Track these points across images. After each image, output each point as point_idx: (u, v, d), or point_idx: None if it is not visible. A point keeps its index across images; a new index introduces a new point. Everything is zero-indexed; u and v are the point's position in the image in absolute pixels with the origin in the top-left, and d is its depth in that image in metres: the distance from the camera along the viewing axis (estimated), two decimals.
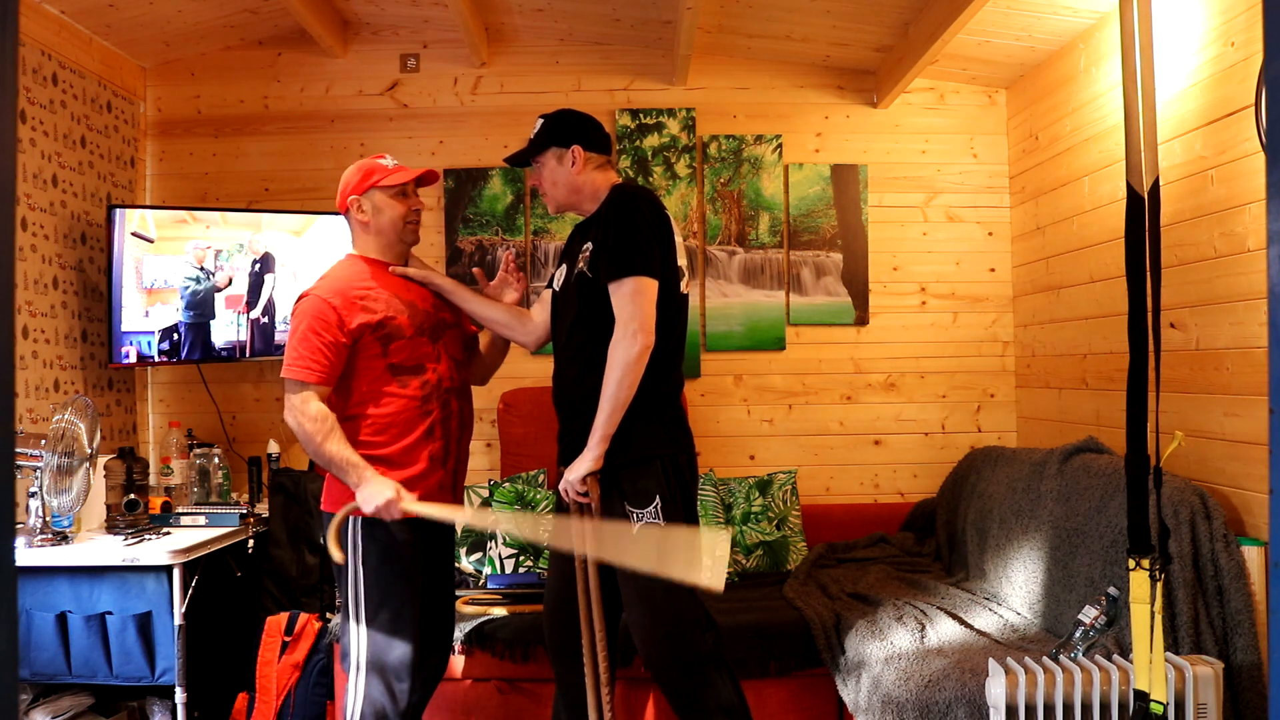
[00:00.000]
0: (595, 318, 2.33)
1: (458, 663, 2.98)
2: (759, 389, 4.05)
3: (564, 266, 2.51)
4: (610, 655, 2.42)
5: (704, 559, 2.59)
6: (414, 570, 2.36)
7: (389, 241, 2.46)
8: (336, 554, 2.28)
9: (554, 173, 2.44)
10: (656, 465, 2.34)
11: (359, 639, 2.33)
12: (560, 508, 2.48)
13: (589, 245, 2.37)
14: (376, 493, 2.24)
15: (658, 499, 2.32)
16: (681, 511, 2.36)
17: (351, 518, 2.32)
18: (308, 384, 2.28)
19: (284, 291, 3.75)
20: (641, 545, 2.31)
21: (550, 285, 2.57)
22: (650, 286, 2.29)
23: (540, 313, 2.58)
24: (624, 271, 2.27)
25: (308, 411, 2.26)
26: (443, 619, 2.57)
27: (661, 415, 2.37)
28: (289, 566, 3.39)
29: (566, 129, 2.44)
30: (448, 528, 2.58)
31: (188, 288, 3.58)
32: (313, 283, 2.42)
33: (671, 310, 2.37)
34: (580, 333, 2.37)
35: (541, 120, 2.47)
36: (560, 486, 2.36)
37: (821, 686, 2.93)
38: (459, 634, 2.97)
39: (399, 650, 2.31)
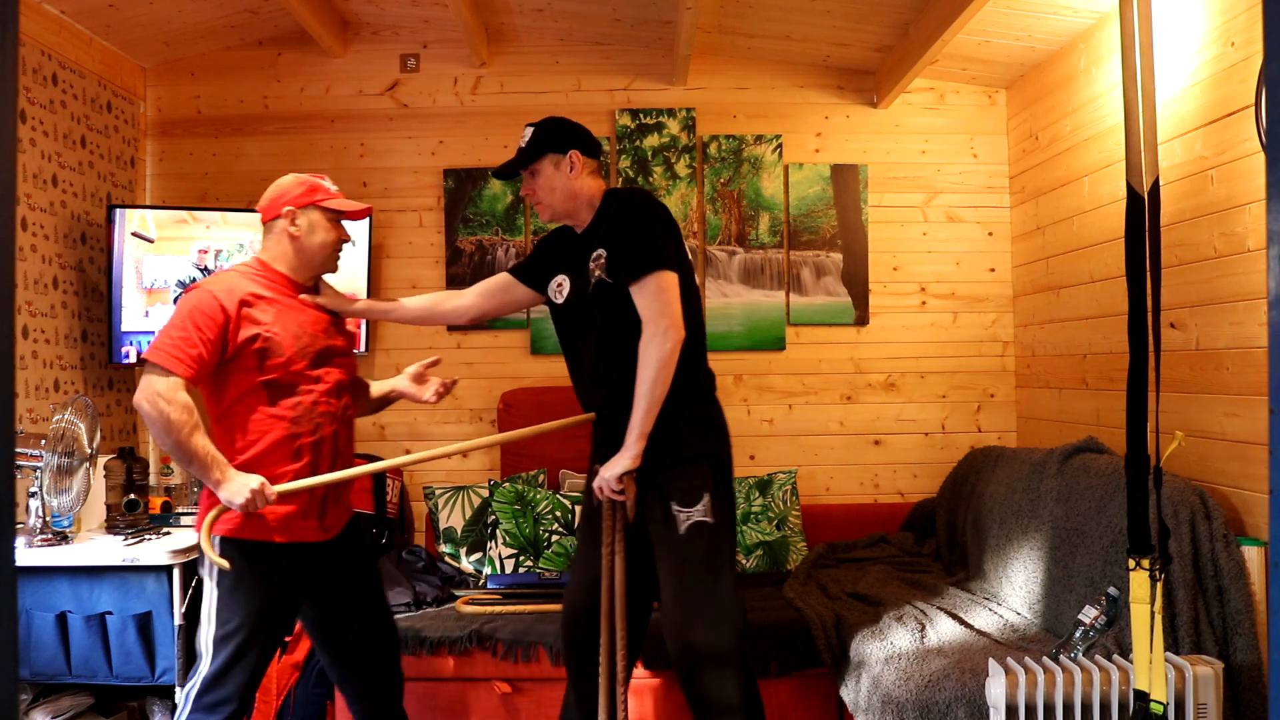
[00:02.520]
0: (623, 324, 2.31)
1: (458, 663, 2.98)
2: (759, 389, 4.05)
3: (563, 277, 2.48)
4: (631, 653, 2.45)
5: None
6: (275, 601, 2.23)
7: (309, 264, 2.37)
8: (217, 559, 2.17)
9: (551, 179, 2.40)
10: (704, 464, 2.36)
11: (201, 661, 2.21)
12: (588, 505, 2.49)
13: (602, 252, 2.35)
14: (241, 487, 2.15)
15: (707, 497, 2.33)
16: (727, 509, 2.39)
17: (218, 537, 2.21)
18: (174, 374, 2.15)
19: None
20: (690, 545, 2.32)
21: (542, 292, 2.55)
22: (672, 280, 2.28)
23: (481, 292, 2.57)
24: (645, 269, 2.26)
25: (177, 400, 2.13)
26: (377, 629, 2.46)
27: (705, 413, 2.41)
28: None
29: (562, 134, 2.42)
30: (356, 540, 2.45)
31: (178, 295, 3.58)
32: (209, 278, 2.32)
33: (693, 303, 2.38)
34: (611, 341, 2.34)
35: (532, 128, 2.43)
36: (594, 484, 2.35)
37: (821, 686, 2.93)
38: (460, 634, 2.98)
39: (234, 682, 2.19)
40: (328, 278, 2.49)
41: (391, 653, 2.49)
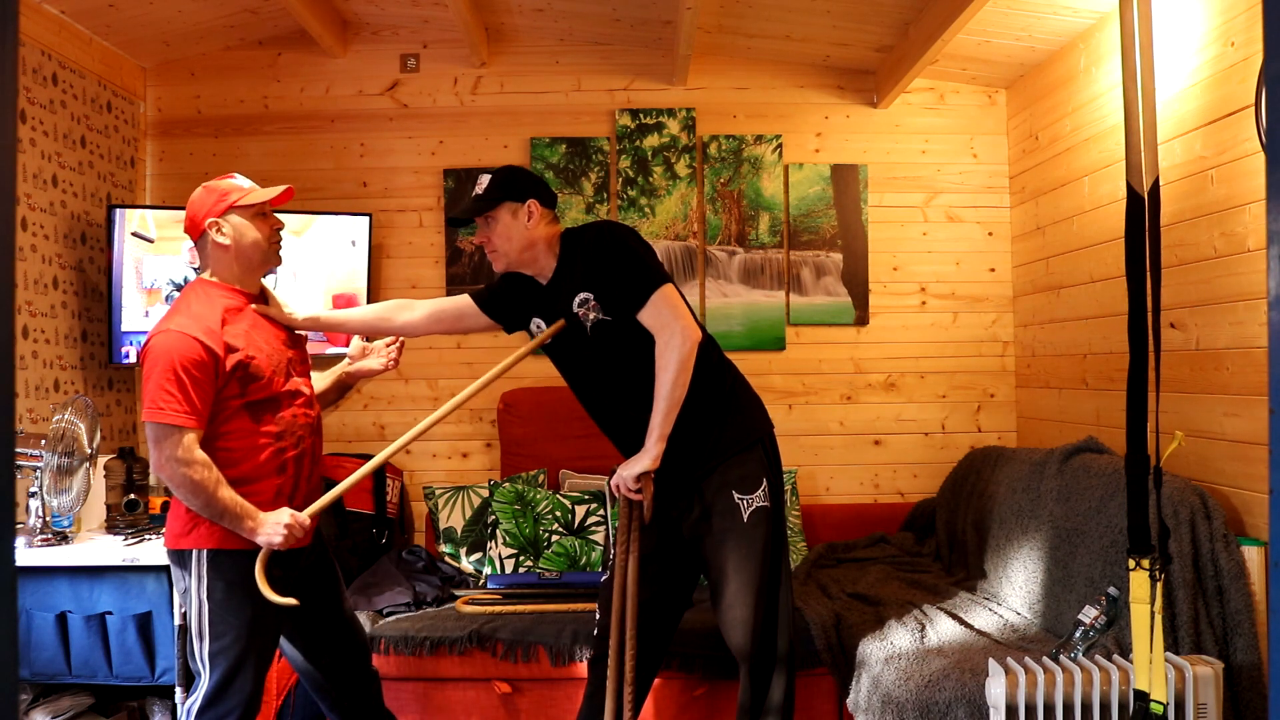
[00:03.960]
0: (638, 354, 2.33)
1: (458, 663, 2.98)
2: (759, 389, 3.96)
3: (539, 321, 2.47)
4: (659, 657, 2.53)
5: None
6: (265, 610, 2.19)
7: (250, 265, 2.30)
8: (282, 601, 2.16)
9: (508, 228, 2.38)
10: (759, 448, 2.43)
11: (200, 678, 2.20)
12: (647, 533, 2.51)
13: (587, 295, 2.35)
14: (275, 527, 2.14)
15: (764, 481, 2.40)
16: (781, 491, 2.47)
17: (196, 551, 2.18)
18: (186, 429, 2.09)
19: (284, 292, 3.74)
20: (754, 534, 2.36)
21: (509, 327, 2.56)
22: (672, 291, 2.33)
23: (433, 315, 2.54)
24: (646, 292, 2.29)
25: (195, 459, 2.09)
26: (345, 630, 2.45)
27: (748, 397, 2.50)
28: None
29: (521, 184, 2.40)
30: (320, 544, 2.43)
31: (170, 295, 3.58)
32: (171, 317, 2.18)
33: (688, 306, 2.41)
34: (634, 375, 2.35)
35: (488, 176, 2.41)
36: (612, 482, 2.37)
37: (821, 686, 2.93)
38: (460, 634, 2.98)
39: (237, 695, 2.18)
40: (280, 290, 2.45)
41: (361, 652, 2.49)
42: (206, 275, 2.31)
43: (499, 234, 2.39)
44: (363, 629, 2.54)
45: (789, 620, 2.44)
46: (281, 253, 2.37)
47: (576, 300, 2.37)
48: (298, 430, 2.29)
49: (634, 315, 2.31)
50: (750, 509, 2.37)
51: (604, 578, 2.58)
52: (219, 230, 2.26)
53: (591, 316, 2.36)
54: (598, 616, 2.55)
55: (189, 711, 2.20)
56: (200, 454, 2.11)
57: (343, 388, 2.58)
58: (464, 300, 2.57)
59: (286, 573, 2.25)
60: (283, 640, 2.40)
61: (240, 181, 2.32)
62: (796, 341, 4.04)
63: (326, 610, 2.42)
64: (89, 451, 2.84)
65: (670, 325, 2.28)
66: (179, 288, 3.58)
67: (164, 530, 2.28)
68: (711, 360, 2.43)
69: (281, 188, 2.35)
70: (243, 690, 2.19)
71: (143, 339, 3.53)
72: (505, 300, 2.54)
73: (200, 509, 2.14)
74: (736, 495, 2.37)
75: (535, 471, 3.75)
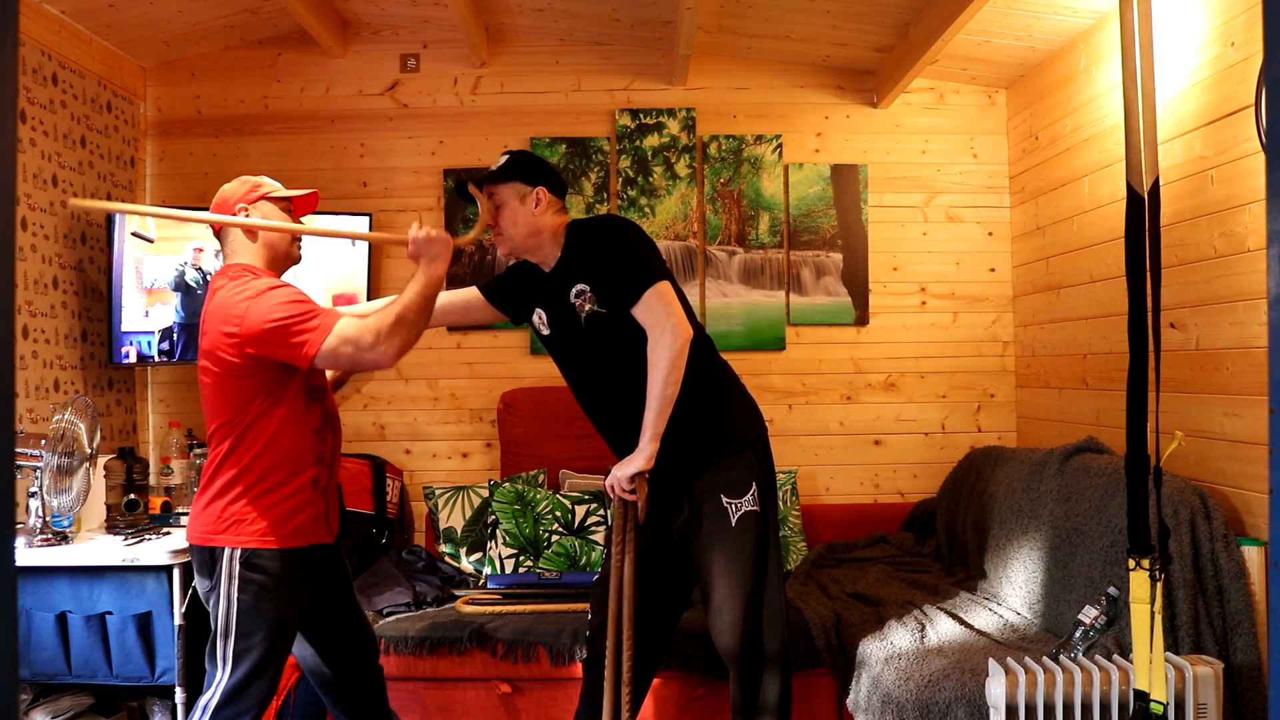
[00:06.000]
0: (631, 350, 2.33)
1: (458, 663, 2.98)
2: (759, 389, 4.03)
3: (541, 311, 2.48)
4: (654, 662, 2.51)
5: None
6: (293, 608, 2.23)
7: (275, 255, 2.31)
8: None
9: (515, 212, 2.40)
10: (749, 452, 2.41)
11: (219, 674, 2.19)
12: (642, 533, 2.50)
13: (584, 287, 2.36)
14: (438, 253, 2.24)
15: (754, 485, 2.38)
16: (772, 494, 2.44)
17: (229, 549, 2.17)
18: (333, 323, 2.10)
19: None
20: (741, 538, 2.35)
21: (514, 317, 2.58)
22: (667, 288, 2.32)
23: (441, 307, 2.51)
24: (641, 287, 2.29)
25: (367, 326, 2.11)
26: (355, 627, 2.46)
27: (741, 400, 2.48)
28: None
29: (534, 169, 2.42)
30: (336, 548, 2.41)
31: (182, 273, 3.57)
32: (242, 288, 2.16)
33: (687, 305, 2.41)
34: (626, 370, 2.36)
35: (508, 155, 2.44)
36: (607, 483, 2.38)
37: (821, 686, 2.93)
38: (460, 634, 2.98)
39: (255, 693, 2.19)
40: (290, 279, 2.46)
41: (370, 649, 2.50)
42: (234, 260, 2.30)
43: (506, 217, 2.41)
44: (371, 625, 2.55)
45: (781, 621, 2.42)
46: (300, 253, 2.40)
47: (574, 291, 2.38)
48: (332, 421, 2.34)
49: (628, 310, 2.31)
50: (739, 513, 2.36)
51: (596, 578, 2.59)
52: (247, 215, 2.30)
53: (586, 308, 2.37)
54: (590, 617, 2.55)
55: (205, 708, 2.19)
56: (364, 322, 2.12)
57: (337, 382, 2.60)
58: (471, 292, 2.61)
59: (309, 568, 2.27)
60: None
61: (273, 181, 2.38)
62: (796, 341, 4.04)
63: (338, 606, 2.43)
64: (89, 451, 2.84)
65: (662, 322, 2.28)
66: (197, 280, 3.58)
67: (186, 525, 2.29)
68: (705, 360, 2.43)
69: (309, 190, 2.40)
70: (261, 690, 2.20)
71: (142, 339, 3.54)
72: (510, 290, 2.56)
73: (423, 322, 2.19)
74: (725, 499, 2.36)
75: (535, 471, 3.75)
